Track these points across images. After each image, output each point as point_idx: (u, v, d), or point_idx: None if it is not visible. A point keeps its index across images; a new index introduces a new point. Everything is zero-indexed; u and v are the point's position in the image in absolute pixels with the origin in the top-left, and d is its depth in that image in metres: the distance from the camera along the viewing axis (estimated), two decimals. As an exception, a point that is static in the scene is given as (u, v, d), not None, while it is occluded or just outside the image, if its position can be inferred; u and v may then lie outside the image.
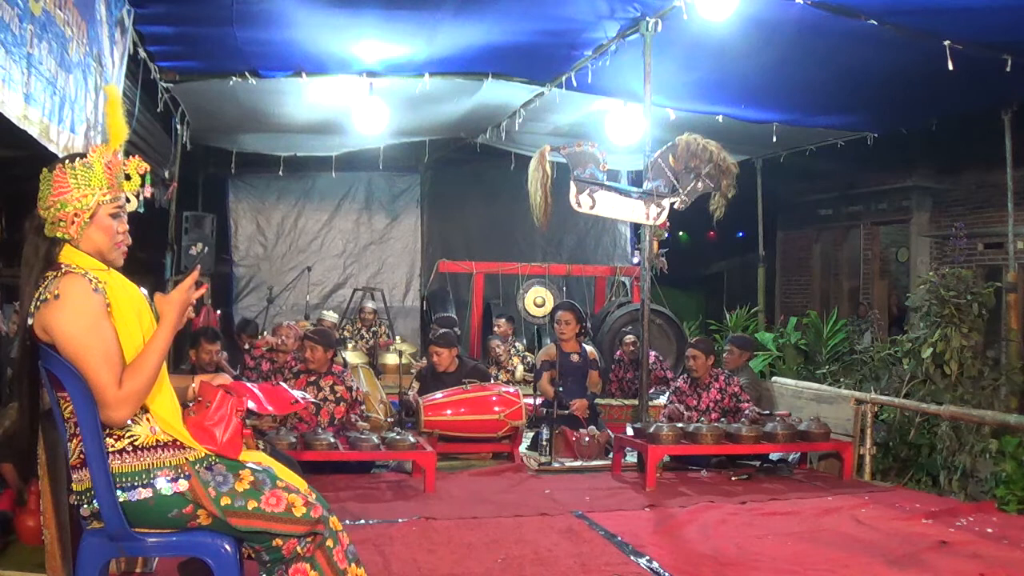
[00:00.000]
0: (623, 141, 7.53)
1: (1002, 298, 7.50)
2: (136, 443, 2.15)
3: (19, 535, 3.39)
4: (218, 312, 9.51)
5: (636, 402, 6.22)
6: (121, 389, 2.07)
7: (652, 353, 6.68)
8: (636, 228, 10.39)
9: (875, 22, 5.31)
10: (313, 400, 5.25)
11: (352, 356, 8.08)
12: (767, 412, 6.00)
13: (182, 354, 6.20)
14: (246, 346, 6.94)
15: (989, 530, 4.18)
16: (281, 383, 3.32)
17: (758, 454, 5.63)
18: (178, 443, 2.20)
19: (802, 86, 6.92)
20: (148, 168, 2.37)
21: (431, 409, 5.68)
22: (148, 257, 8.11)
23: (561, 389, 6.03)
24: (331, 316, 9.01)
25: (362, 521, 4.09)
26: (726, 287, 15.64)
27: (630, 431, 5.57)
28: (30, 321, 2.10)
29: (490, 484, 5.18)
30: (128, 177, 2.31)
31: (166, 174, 7.78)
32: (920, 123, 8.04)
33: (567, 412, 6.06)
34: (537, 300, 9.73)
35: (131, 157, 2.36)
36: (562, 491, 4.98)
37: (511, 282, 9.82)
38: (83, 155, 2.22)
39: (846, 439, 5.62)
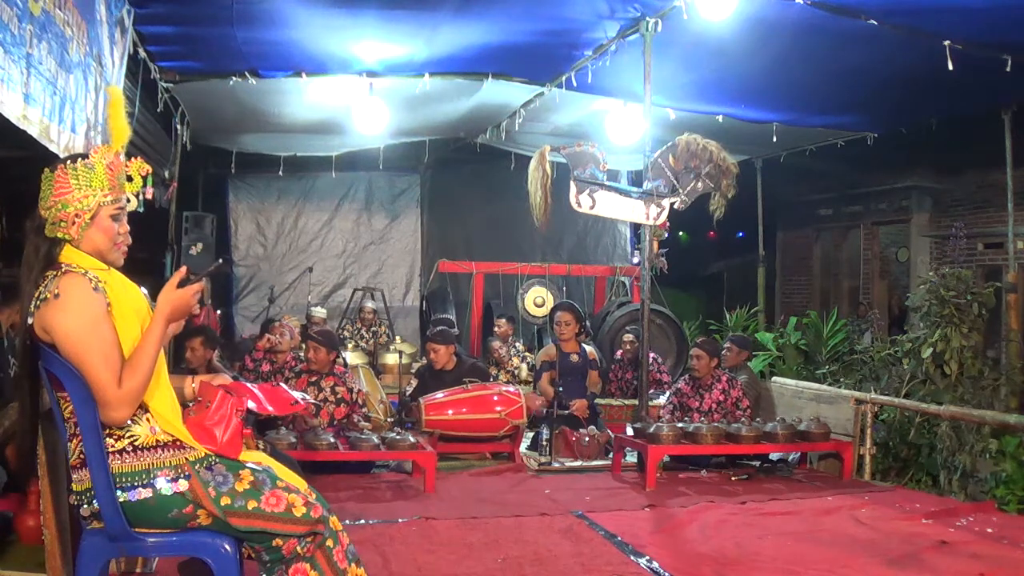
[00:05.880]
0: (623, 141, 7.53)
1: (1002, 298, 7.49)
2: (136, 443, 2.15)
3: (19, 535, 3.39)
4: (218, 312, 9.51)
5: (636, 402, 6.22)
6: (121, 388, 2.08)
7: (651, 355, 6.68)
8: (636, 228, 10.37)
9: (875, 22, 5.31)
10: (313, 401, 5.25)
11: (352, 356, 8.09)
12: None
13: (181, 354, 6.19)
14: (266, 344, 6.82)
15: (989, 530, 4.18)
16: (281, 384, 3.32)
17: (758, 454, 5.64)
18: (178, 443, 2.20)
19: (802, 86, 6.92)
20: (150, 170, 2.37)
21: (432, 409, 5.68)
22: (148, 257, 8.10)
23: (561, 389, 6.03)
24: (319, 312, 8.98)
25: (362, 521, 4.09)
26: (726, 287, 15.62)
27: (630, 431, 5.57)
28: (30, 321, 2.10)
29: (490, 484, 5.18)
30: (130, 178, 2.31)
31: (166, 174, 7.77)
32: (920, 123, 8.04)
33: (567, 412, 6.06)
34: (537, 300, 9.73)
35: (133, 158, 2.36)
36: (562, 491, 4.98)
37: (511, 282, 9.81)
38: (85, 156, 2.22)
39: (846, 439, 5.62)
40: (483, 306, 9.49)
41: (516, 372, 7.90)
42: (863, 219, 12.46)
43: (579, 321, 6.48)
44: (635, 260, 11.48)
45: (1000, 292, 7.15)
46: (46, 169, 2.20)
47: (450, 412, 5.73)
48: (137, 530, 2.17)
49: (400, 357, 7.27)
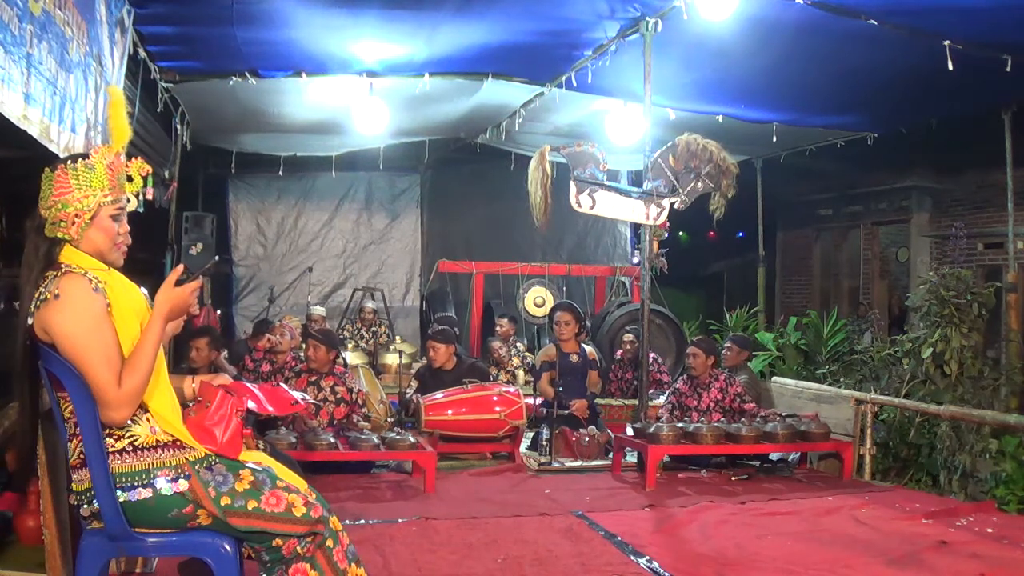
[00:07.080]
0: (623, 141, 7.53)
1: (1002, 298, 7.50)
2: (136, 443, 2.15)
3: (19, 535, 3.39)
4: (218, 312, 9.51)
5: (636, 402, 6.22)
6: (121, 388, 2.08)
7: (651, 355, 6.68)
8: (636, 228, 10.38)
9: (875, 22, 5.31)
10: (313, 401, 5.26)
11: (352, 356, 8.09)
12: (790, 414, 5.92)
13: (182, 354, 6.20)
14: (266, 344, 6.81)
15: (989, 530, 4.18)
16: (281, 384, 3.32)
17: (758, 454, 5.63)
18: (178, 443, 2.20)
19: (802, 86, 6.92)
20: (150, 170, 2.37)
21: (432, 409, 5.68)
22: (148, 257, 8.10)
23: (561, 389, 6.03)
24: (319, 311, 8.99)
25: (362, 521, 4.09)
26: (726, 287, 15.64)
27: (630, 431, 5.57)
28: (30, 321, 2.10)
29: (490, 484, 5.18)
30: (130, 179, 2.31)
31: (166, 174, 7.77)
32: (920, 123, 8.04)
33: (567, 412, 6.06)
34: (537, 300, 9.74)
35: (133, 158, 2.36)
36: (562, 491, 4.98)
37: (511, 282, 9.82)
38: (85, 156, 2.21)
39: (846, 439, 5.62)
40: (483, 306, 9.50)
41: (515, 373, 7.90)
42: (863, 219, 12.47)
43: (579, 321, 6.48)
44: (635, 260, 11.49)
45: (1000, 292, 7.15)
46: (46, 169, 2.20)
47: (450, 412, 5.73)
48: (137, 530, 2.17)
49: (400, 357, 7.27)
